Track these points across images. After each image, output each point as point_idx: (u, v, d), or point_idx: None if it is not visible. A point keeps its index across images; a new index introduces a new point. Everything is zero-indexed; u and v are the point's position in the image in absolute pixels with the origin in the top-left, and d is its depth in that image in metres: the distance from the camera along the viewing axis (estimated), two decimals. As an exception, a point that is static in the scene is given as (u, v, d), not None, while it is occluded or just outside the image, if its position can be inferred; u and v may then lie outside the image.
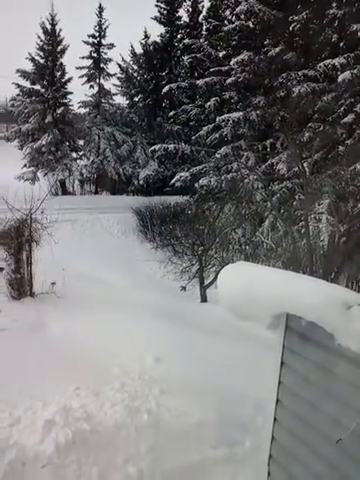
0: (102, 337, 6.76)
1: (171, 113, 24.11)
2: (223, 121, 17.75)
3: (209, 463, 4.51)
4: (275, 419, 3.17)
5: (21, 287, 8.47)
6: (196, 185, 18.65)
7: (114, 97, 27.46)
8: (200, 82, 19.72)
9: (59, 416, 4.76)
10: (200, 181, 18.36)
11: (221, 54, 21.17)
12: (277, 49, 15.51)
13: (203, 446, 4.68)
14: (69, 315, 7.56)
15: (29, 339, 6.60)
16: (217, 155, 17.98)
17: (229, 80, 17.73)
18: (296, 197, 13.21)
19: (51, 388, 5.25)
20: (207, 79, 19.45)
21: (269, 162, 16.02)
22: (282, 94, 15.06)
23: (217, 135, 18.92)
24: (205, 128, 20.07)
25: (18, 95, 25.60)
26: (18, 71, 24.25)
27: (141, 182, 25.91)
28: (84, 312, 7.73)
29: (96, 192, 27.50)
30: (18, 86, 24.73)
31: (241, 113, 17.22)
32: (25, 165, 24.70)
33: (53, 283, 8.49)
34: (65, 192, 25.74)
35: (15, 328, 6.88)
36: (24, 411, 4.81)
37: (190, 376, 5.79)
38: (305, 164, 11.60)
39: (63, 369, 5.72)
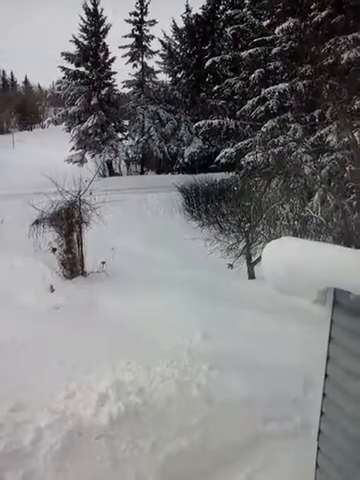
0: (151, 314, 6.91)
1: (215, 88, 23.58)
2: (268, 93, 17.17)
3: (259, 438, 4.55)
4: (324, 394, 3.13)
5: (73, 267, 8.76)
6: (242, 161, 18.29)
7: (157, 75, 27.39)
8: (244, 54, 19.08)
9: (112, 390, 4.94)
10: (246, 156, 17.98)
11: (265, 23, 20.31)
12: (324, 13, 14.68)
13: (253, 421, 4.71)
14: (119, 293, 7.76)
15: (82, 316, 6.85)
16: (263, 129, 17.47)
17: (274, 50, 17.05)
18: (347, 169, 12.66)
19: (103, 363, 5.44)
20: (251, 50, 18.79)
21: (318, 134, 15.37)
22: (330, 61, 14.32)
23: (263, 108, 18.36)
24: (250, 101, 19.51)
25: (64, 78, 26.01)
26: (63, 54, 24.59)
27: (186, 160, 25.80)
28: (133, 290, 7.91)
29: (142, 172, 27.71)
30: (63, 69, 25.11)
31: (287, 84, 16.57)
32: (73, 147, 25.22)
33: (103, 262, 8.71)
34: (112, 173, 26.13)
35: (68, 306, 7.16)
36: (79, 385, 5.04)
37: (239, 352, 5.81)
38: (356, 134, 11.05)
39: (114, 345, 5.91)
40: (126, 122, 27.03)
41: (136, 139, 26.14)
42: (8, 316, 6.69)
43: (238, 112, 20.64)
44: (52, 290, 7.80)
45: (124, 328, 6.46)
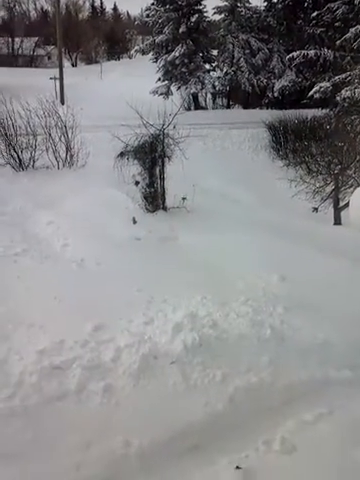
0: (229, 252, 6.92)
1: (314, 14, 21.45)
2: (376, 18, 15.35)
3: (331, 383, 4.53)
4: None
5: (154, 201, 8.91)
6: (338, 96, 16.90)
7: (251, 0, 25.40)
8: (352, -28, 17.01)
9: (187, 321, 5.13)
10: (343, 92, 16.55)
11: None
12: None
13: (326, 366, 4.68)
14: (198, 229, 7.82)
15: (162, 249, 7.05)
16: (365, 61, 15.86)
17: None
18: None
19: (180, 295, 5.63)
20: (361, -33, 16.67)
21: None
22: None
23: (367, 37, 16.54)
24: (353, 30, 17.60)
25: (152, 4, 25.15)
26: (153, -23, 23.59)
27: (276, 94, 24.39)
28: (213, 227, 7.91)
29: (228, 106, 26.74)
30: (153, -6, 24.23)
31: None
32: (159, 79, 24.82)
33: (184, 198, 8.75)
34: (197, 106, 25.52)
35: (149, 238, 7.39)
36: (156, 313, 5.29)
37: (316, 297, 5.69)
38: None
39: (191, 279, 6.05)
40: (215, 52, 25.82)
41: (224, 70, 24.97)
42: (94, 244, 7.08)
43: (338, 42, 18.77)
44: (134, 222, 8.04)
45: (201, 263, 6.57)
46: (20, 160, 10.58)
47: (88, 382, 4.28)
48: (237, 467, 3.62)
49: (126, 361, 4.53)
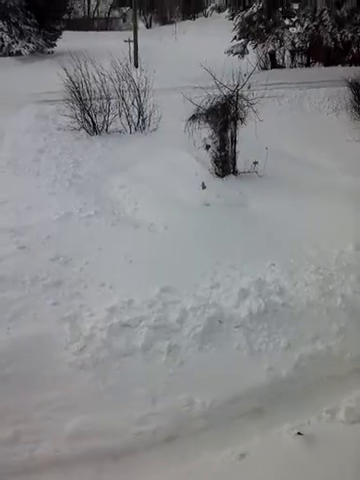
0: (301, 219, 6.69)
1: None
2: None
3: None
4: None
5: (225, 165, 8.72)
6: None
7: None
8: None
9: (254, 287, 5.10)
10: None
11: None
12: None
13: None
14: (270, 195, 7.58)
15: (231, 214, 6.96)
16: None
17: None
18: None
19: (248, 261, 5.59)
20: None
21: None
22: None
23: None
24: None
25: None
26: None
27: (361, 49, 22.51)
28: (285, 193, 7.64)
29: (308, 64, 25.19)
30: None
31: None
32: (235, 37, 23.86)
33: (255, 162, 8.46)
34: (274, 65, 24.32)
35: (218, 204, 7.31)
36: (222, 278, 5.31)
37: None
38: None
39: (260, 245, 5.97)
40: (295, 6, 24.16)
41: (305, 25, 23.38)
42: (163, 208, 7.14)
43: None
44: (204, 187, 7.96)
45: (271, 230, 6.42)
46: (94, 124, 10.77)
47: (154, 341, 4.45)
48: (298, 433, 3.62)
49: (191, 323, 4.63)
